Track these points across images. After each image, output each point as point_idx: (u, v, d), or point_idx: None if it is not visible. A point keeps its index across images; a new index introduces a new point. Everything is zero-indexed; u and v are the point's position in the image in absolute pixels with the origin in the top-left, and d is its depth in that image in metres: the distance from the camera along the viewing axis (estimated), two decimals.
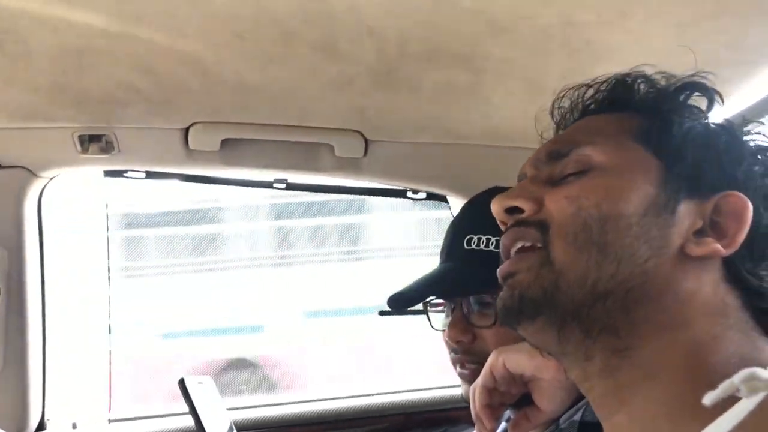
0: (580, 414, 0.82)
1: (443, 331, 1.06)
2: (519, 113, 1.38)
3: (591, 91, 0.78)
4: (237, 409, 1.69)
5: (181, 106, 1.34)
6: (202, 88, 1.26)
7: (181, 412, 1.66)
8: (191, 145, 1.46)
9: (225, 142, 1.47)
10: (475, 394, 0.91)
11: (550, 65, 1.20)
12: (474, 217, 1.09)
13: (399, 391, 1.87)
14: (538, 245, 0.66)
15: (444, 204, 1.77)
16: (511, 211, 0.69)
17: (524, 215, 0.68)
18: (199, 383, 1.01)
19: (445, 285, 1.06)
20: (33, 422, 1.58)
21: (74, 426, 1.65)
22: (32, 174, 1.53)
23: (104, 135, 1.42)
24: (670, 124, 0.70)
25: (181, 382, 0.98)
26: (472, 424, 1.17)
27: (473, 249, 1.04)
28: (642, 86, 0.75)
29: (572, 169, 0.68)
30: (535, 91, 1.28)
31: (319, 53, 1.15)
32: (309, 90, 1.29)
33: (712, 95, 0.74)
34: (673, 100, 0.73)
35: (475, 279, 1.01)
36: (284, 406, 1.77)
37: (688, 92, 0.73)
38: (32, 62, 1.15)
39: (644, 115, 0.72)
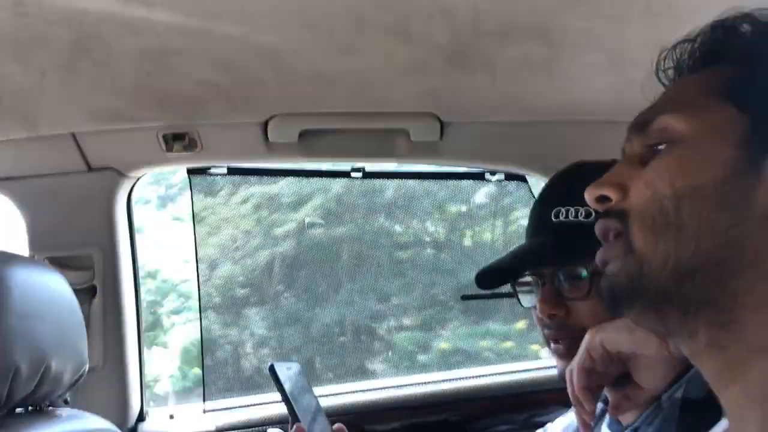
0: (681, 391, 0.80)
1: (533, 308, 1.04)
2: (599, 85, 1.34)
3: (689, 46, 0.73)
4: (324, 396, 1.71)
5: (259, 99, 1.36)
6: (279, 81, 1.28)
7: (273, 401, 1.71)
8: (270, 138, 1.48)
9: (303, 134, 1.49)
10: (572, 376, 0.89)
11: (631, 33, 1.16)
12: (561, 190, 1.05)
13: (485, 375, 1.86)
14: (621, 233, 0.65)
15: (523, 184, 1.74)
16: (601, 199, 0.68)
17: (611, 204, 0.67)
18: (289, 369, 1.03)
19: (538, 256, 1.03)
20: (133, 414, 1.64)
21: (171, 417, 1.70)
22: (121, 174, 1.58)
23: (187, 133, 1.45)
24: (757, 72, 0.65)
25: (271, 368, 0.99)
26: (562, 406, 1.15)
27: (562, 221, 1.01)
28: (743, 29, 0.69)
29: (655, 141, 0.65)
30: (615, 61, 1.24)
31: (391, 37, 1.15)
32: (383, 75, 1.29)
33: None
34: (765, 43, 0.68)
35: (568, 249, 0.98)
36: (371, 392, 1.78)
37: None
38: (116, 65, 1.19)
39: (737, 66, 0.67)
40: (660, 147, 0.65)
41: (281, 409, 1.64)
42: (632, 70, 1.28)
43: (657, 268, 0.61)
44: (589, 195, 0.69)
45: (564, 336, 0.98)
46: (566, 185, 1.05)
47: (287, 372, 1.01)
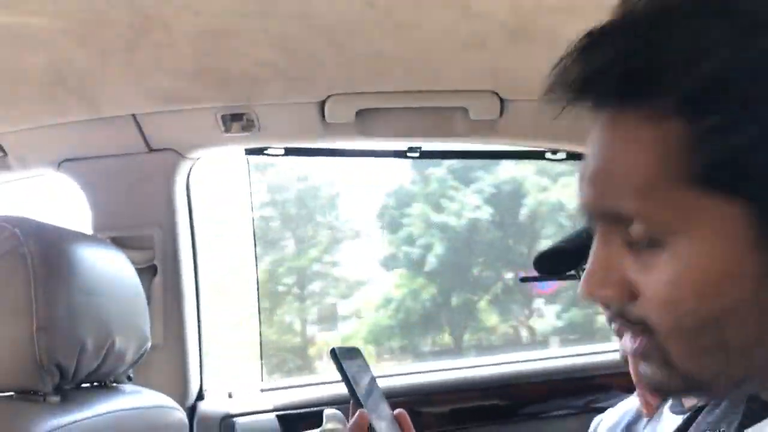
0: None
1: None
2: None
3: (582, 69, 0.54)
4: (382, 376, 1.71)
5: (317, 79, 1.36)
6: (337, 60, 1.27)
7: (330, 381, 1.71)
8: (327, 118, 1.47)
9: (360, 113, 1.48)
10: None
11: None
12: None
13: (544, 358, 1.83)
14: (652, 344, 0.55)
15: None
16: (603, 299, 0.56)
17: (618, 307, 0.55)
18: (349, 353, 1.02)
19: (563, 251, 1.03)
20: (193, 392, 1.66)
21: (230, 395, 1.72)
22: (180, 155, 1.60)
23: (245, 113, 1.46)
24: (725, 129, 0.48)
25: (332, 352, 0.99)
26: (623, 391, 1.12)
27: None
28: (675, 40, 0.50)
29: (638, 234, 0.52)
30: None
31: (451, 13, 1.13)
32: (442, 52, 1.27)
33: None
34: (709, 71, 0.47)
35: None
36: (423, 374, 1.77)
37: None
38: (176, 47, 1.20)
39: (680, 118, 0.49)
40: (639, 234, 0.52)
41: (338, 390, 1.65)
42: None
43: (707, 383, 0.54)
44: (587, 296, 0.56)
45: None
46: None
47: (348, 356, 1.01)
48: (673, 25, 0.50)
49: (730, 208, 0.48)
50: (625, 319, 0.56)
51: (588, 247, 1.01)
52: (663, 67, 0.49)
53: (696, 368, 0.53)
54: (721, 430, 0.70)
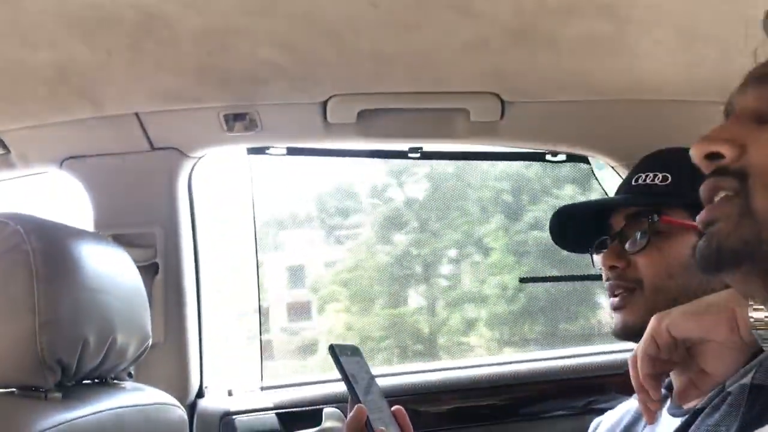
0: (749, 377, 0.77)
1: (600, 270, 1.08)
2: (667, 63, 1.30)
3: None
4: (381, 376, 1.72)
5: (319, 79, 1.36)
6: (340, 61, 1.28)
7: (330, 379, 1.72)
8: (329, 119, 1.48)
9: (361, 114, 1.48)
10: (635, 362, 0.87)
11: (702, 8, 1.12)
12: (646, 161, 1.11)
13: (546, 359, 1.84)
14: (737, 194, 0.60)
15: (585, 165, 1.71)
16: (711, 156, 0.63)
17: (725, 161, 0.61)
18: (348, 350, 1.03)
19: (608, 202, 1.11)
20: (193, 390, 1.67)
21: (230, 393, 1.73)
22: (183, 154, 1.61)
23: (248, 113, 1.46)
24: None
25: (331, 348, 0.99)
26: (624, 393, 1.12)
27: (639, 184, 1.06)
28: None
29: None
30: (685, 38, 1.20)
31: (453, 14, 1.13)
32: (444, 54, 1.27)
33: None
34: None
35: (634, 200, 1.05)
36: (424, 373, 1.78)
37: None
38: (179, 46, 1.20)
39: None
40: None
41: (338, 388, 1.65)
42: (703, 47, 1.25)
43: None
44: (698, 151, 0.63)
45: (621, 287, 1.02)
46: (649, 159, 1.10)
47: (347, 353, 1.02)
48: None
49: None
50: (724, 173, 0.61)
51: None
52: None
53: None
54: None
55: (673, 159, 1.05)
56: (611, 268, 1.03)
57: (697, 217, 0.64)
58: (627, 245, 1.03)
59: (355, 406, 0.96)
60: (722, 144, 0.61)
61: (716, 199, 0.62)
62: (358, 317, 2.41)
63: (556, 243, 1.17)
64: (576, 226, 1.13)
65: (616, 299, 1.03)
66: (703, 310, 0.81)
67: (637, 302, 1.00)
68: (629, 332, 1.00)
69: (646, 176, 1.06)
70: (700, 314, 0.80)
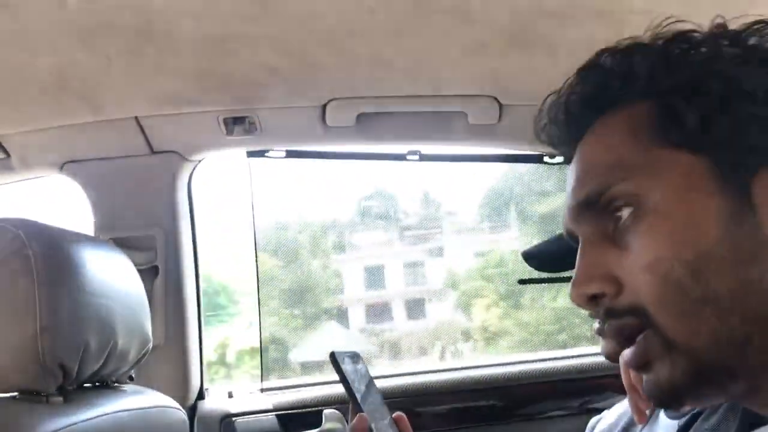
0: None
1: None
2: None
3: (573, 96, 0.67)
4: (380, 377, 1.72)
5: (318, 83, 1.37)
6: (338, 65, 1.28)
7: (330, 381, 1.72)
8: (328, 122, 1.49)
9: (360, 117, 1.49)
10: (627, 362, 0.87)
11: (699, 14, 1.12)
12: None
13: (539, 360, 1.84)
14: (647, 330, 0.58)
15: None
16: (593, 298, 0.61)
17: (608, 301, 0.60)
18: (349, 356, 1.03)
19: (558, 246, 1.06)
20: (193, 392, 1.67)
21: (230, 395, 1.73)
22: (183, 158, 1.62)
23: (247, 117, 1.47)
24: (679, 103, 0.58)
25: (332, 355, 0.99)
26: (619, 393, 1.12)
27: None
28: (624, 60, 0.63)
29: (620, 214, 0.59)
30: None
31: (451, 18, 1.14)
32: (442, 57, 1.28)
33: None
34: (668, 65, 0.60)
35: None
36: (422, 374, 1.78)
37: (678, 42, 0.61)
38: (178, 50, 1.21)
39: (650, 102, 0.60)
40: (621, 217, 0.59)
41: (337, 390, 1.66)
42: None
43: (712, 352, 0.55)
44: (578, 298, 0.61)
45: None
46: None
47: (348, 359, 1.02)
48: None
49: (695, 161, 0.56)
50: (615, 314, 0.59)
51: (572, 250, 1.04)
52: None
53: (694, 334, 0.55)
54: None
55: None
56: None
57: (625, 360, 0.62)
58: None
59: (357, 415, 0.96)
60: (599, 283, 0.59)
61: (624, 335, 0.60)
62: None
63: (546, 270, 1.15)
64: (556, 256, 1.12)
65: (598, 326, 1.02)
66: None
67: None
68: (614, 359, 1.00)
69: None
70: None
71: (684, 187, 0.56)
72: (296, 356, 2.05)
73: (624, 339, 0.60)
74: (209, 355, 1.82)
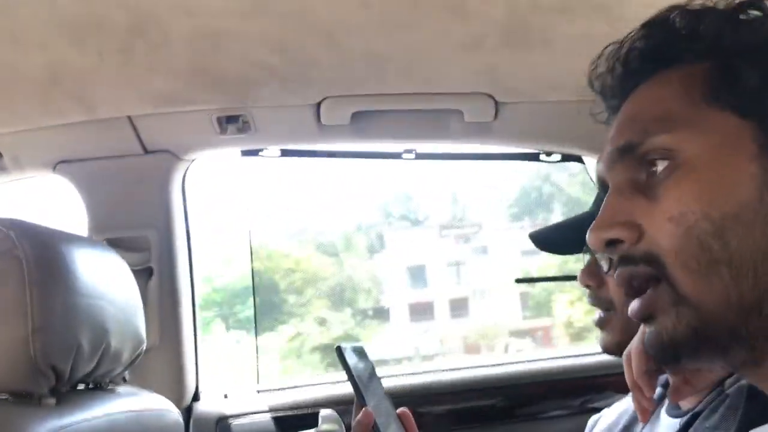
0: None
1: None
2: None
3: (633, 50, 0.67)
4: (384, 377, 1.71)
5: (312, 81, 1.36)
6: (333, 62, 1.27)
7: (326, 381, 1.72)
8: (323, 120, 1.48)
9: (355, 115, 1.48)
10: (630, 360, 0.86)
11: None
12: None
13: (539, 359, 1.84)
14: (657, 279, 0.58)
15: (579, 165, 1.71)
16: (611, 243, 0.61)
17: (626, 247, 0.60)
18: (355, 351, 1.02)
19: (570, 228, 1.09)
20: (189, 393, 1.66)
21: (226, 396, 1.72)
22: (176, 157, 1.60)
23: (241, 115, 1.46)
24: (742, 68, 0.58)
25: (338, 349, 0.99)
26: (619, 392, 1.12)
27: None
28: (693, 19, 0.62)
29: (655, 168, 0.59)
30: None
31: (447, 14, 1.13)
32: (438, 54, 1.27)
33: None
34: (737, 28, 0.60)
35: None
36: (424, 374, 1.78)
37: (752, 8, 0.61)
38: (171, 48, 1.20)
39: (711, 62, 0.60)
40: (656, 171, 0.59)
41: (334, 390, 1.65)
42: None
43: (719, 311, 0.55)
44: (597, 240, 0.61)
45: (598, 306, 1.02)
46: None
47: (354, 354, 1.01)
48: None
49: (741, 125, 0.57)
50: (630, 261, 0.60)
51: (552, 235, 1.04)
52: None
53: (705, 291, 0.55)
54: None
55: None
56: (586, 286, 1.03)
57: (630, 310, 0.62)
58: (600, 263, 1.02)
59: (363, 410, 0.95)
60: (618, 229, 0.60)
61: (635, 284, 0.60)
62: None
63: (546, 251, 1.16)
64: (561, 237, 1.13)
65: (596, 317, 1.03)
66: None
67: (613, 323, 1.00)
68: (611, 351, 1.00)
69: None
70: None
71: (725, 147, 0.57)
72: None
73: (633, 289, 0.60)
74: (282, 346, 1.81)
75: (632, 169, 0.61)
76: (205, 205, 1.76)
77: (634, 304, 0.61)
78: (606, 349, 1.01)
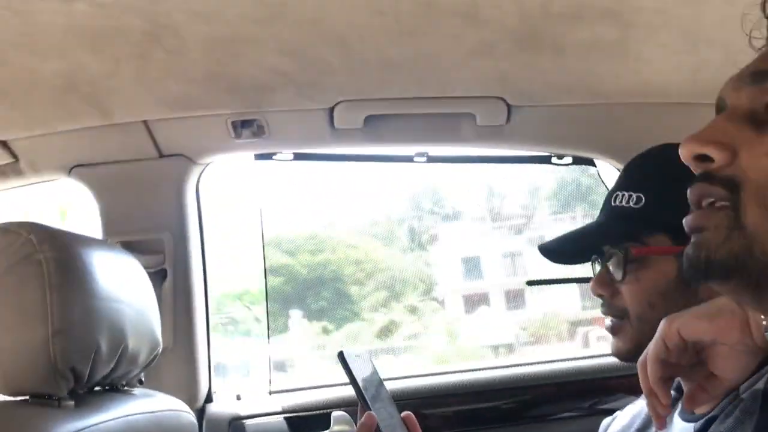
0: (763, 382, 0.76)
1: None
2: (672, 67, 1.30)
3: None
4: (389, 379, 1.72)
5: (326, 86, 1.37)
6: (346, 67, 1.28)
7: (338, 382, 1.72)
8: (336, 124, 1.49)
9: (368, 119, 1.49)
10: (645, 366, 0.86)
11: (707, 12, 1.12)
12: (624, 175, 1.07)
13: (550, 361, 1.84)
14: (726, 204, 0.58)
15: (591, 168, 1.71)
16: (701, 158, 0.61)
17: (714, 166, 0.60)
18: (357, 356, 1.03)
19: (585, 238, 1.06)
20: (202, 395, 1.67)
21: (239, 397, 1.73)
22: (191, 161, 1.62)
23: (255, 120, 1.47)
24: None
25: (340, 355, 0.99)
26: (631, 393, 1.12)
27: (616, 205, 1.02)
28: None
29: None
30: (690, 41, 1.21)
31: (460, 20, 1.14)
32: (450, 59, 1.28)
33: None
34: None
35: (608, 233, 1.01)
36: (429, 377, 1.78)
37: None
38: (187, 54, 1.21)
39: None
40: None
41: (346, 392, 1.65)
42: (708, 51, 1.26)
43: (761, 251, 0.56)
44: (687, 150, 0.61)
45: (611, 314, 1.01)
46: (630, 169, 1.06)
47: (356, 359, 1.02)
48: None
49: None
50: (711, 179, 0.59)
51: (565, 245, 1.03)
52: None
53: (763, 227, 0.56)
54: None
55: (648, 174, 1.01)
56: (599, 295, 1.02)
57: (684, 220, 0.63)
58: (612, 272, 1.01)
59: (365, 414, 0.96)
60: (713, 147, 0.59)
61: (704, 203, 0.61)
62: None
63: (555, 261, 1.15)
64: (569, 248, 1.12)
65: (608, 324, 1.02)
66: (715, 313, 0.79)
67: (626, 330, 0.99)
68: (623, 357, 1.00)
69: (622, 196, 1.02)
70: (712, 316, 0.79)
71: None
72: None
73: (701, 205, 0.61)
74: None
75: (755, 98, 0.60)
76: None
77: (690, 215, 0.61)
78: (618, 356, 1.01)
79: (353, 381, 0.98)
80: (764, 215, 0.56)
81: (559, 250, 1.11)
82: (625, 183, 1.04)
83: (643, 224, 0.98)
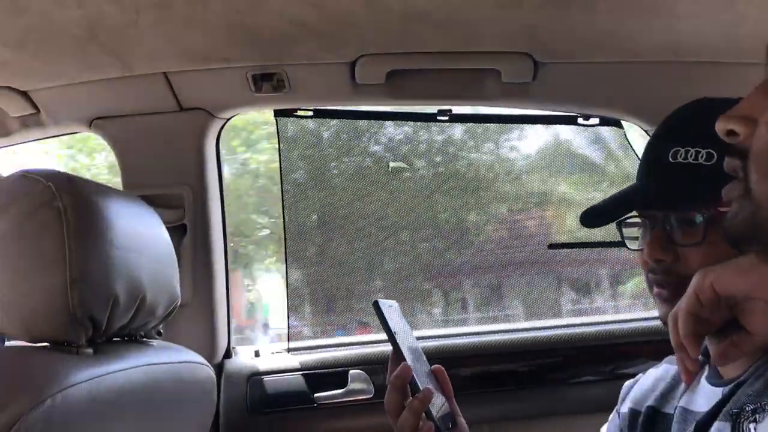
0: None
1: (640, 250, 0.99)
2: (706, 24, 1.26)
3: None
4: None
5: (348, 39, 1.34)
6: (369, 19, 1.26)
7: (356, 341, 1.73)
8: (358, 79, 1.46)
9: (390, 74, 1.46)
10: (677, 320, 0.84)
11: None
12: (681, 128, 0.98)
13: (569, 325, 1.82)
14: (742, 174, 0.61)
15: (617, 129, 1.68)
16: (730, 133, 0.63)
17: (738, 140, 0.62)
18: (390, 306, 1.02)
19: (647, 199, 0.98)
20: (221, 350, 1.68)
21: (257, 354, 1.74)
22: (211, 115, 1.61)
23: (276, 73, 1.45)
24: None
25: (375, 304, 0.99)
26: (651, 359, 1.09)
27: (680, 162, 0.94)
28: None
29: None
30: None
31: None
32: (476, 12, 1.24)
33: None
34: None
35: (681, 193, 0.93)
36: (459, 337, 1.77)
37: None
38: (208, 4, 1.19)
39: None
40: None
41: (363, 351, 1.66)
42: (745, 6, 1.21)
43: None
44: (719, 128, 0.64)
45: (669, 282, 0.93)
46: (687, 124, 0.97)
47: (389, 309, 1.01)
48: None
49: None
50: (733, 151, 0.64)
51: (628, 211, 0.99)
52: None
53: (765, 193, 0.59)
54: (764, 402, 0.68)
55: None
56: (658, 261, 0.94)
57: (723, 190, 0.67)
58: (675, 235, 0.93)
59: (401, 365, 0.95)
60: (735, 122, 0.62)
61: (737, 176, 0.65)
62: None
63: (599, 225, 1.08)
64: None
65: (664, 291, 0.94)
66: (750, 267, 0.77)
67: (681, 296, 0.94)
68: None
69: (687, 152, 0.93)
70: (747, 271, 0.77)
71: None
72: None
73: (731, 178, 0.65)
74: None
75: None
76: None
77: (724, 189, 0.66)
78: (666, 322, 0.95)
79: (388, 330, 0.97)
80: (763, 181, 0.59)
81: (608, 212, 1.04)
82: (685, 138, 0.95)
83: (719, 182, 0.90)
